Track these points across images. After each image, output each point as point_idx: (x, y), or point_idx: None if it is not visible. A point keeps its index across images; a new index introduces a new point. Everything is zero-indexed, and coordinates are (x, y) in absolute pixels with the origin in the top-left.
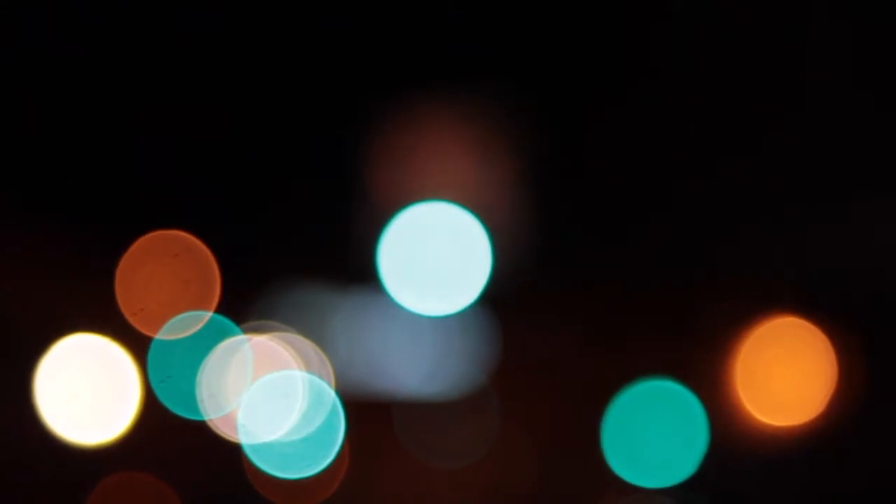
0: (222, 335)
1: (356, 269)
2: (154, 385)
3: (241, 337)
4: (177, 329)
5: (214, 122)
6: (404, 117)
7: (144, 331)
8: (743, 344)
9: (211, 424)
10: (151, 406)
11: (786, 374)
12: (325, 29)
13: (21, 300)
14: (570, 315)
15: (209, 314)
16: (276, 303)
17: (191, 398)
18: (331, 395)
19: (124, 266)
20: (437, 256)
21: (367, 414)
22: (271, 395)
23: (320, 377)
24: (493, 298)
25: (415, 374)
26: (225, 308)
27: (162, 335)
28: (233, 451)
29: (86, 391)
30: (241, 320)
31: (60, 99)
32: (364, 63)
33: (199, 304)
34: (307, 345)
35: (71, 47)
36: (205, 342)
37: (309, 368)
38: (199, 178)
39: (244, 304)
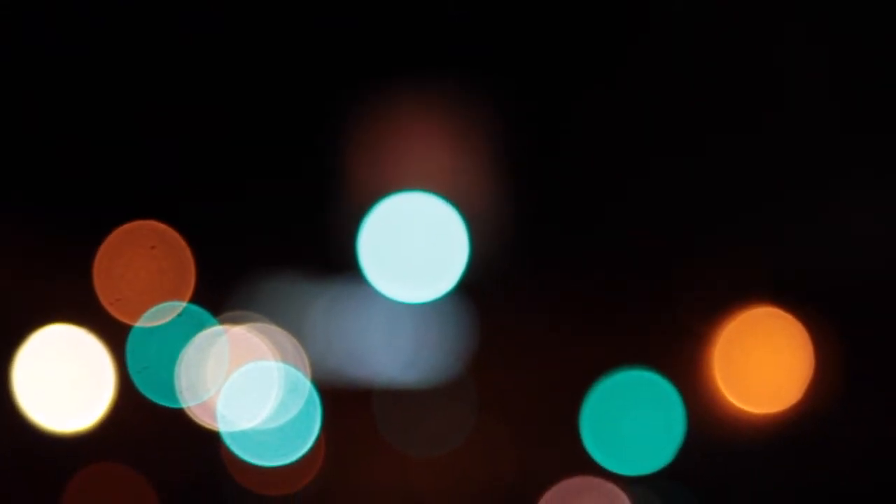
0: (199, 325)
1: (334, 259)
2: (132, 374)
3: (218, 328)
4: (154, 318)
5: (193, 114)
6: (382, 107)
7: (123, 319)
8: (721, 333)
9: (189, 412)
10: (127, 394)
11: (764, 362)
12: (302, 21)
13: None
14: (548, 304)
15: (184, 304)
16: (254, 293)
17: (168, 386)
18: (306, 385)
19: (102, 256)
20: (414, 245)
21: (344, 403)
22: (247, 386)
23: (296, 367)
24: (472, 287)
25: (393, 362)
26: (202, 298)
27: (140, 324)
28: (210, 439)
29: (62, 380)
30: (217, 311)
31: (36, 92)
32: (342, 54)
33: (175, 293)
34: (283, 335)
35: (54, 42)
36: (182, 332)
37: (285, 359)
38: (177, 169)
39: (221, 295)
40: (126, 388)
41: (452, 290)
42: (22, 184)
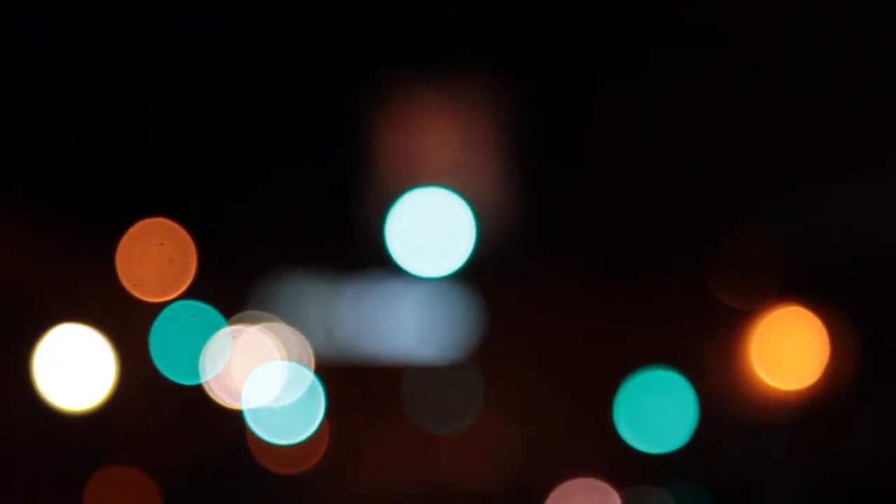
0: (211, 323)
1: (341, 253)
2: (155, 358)
3: (231, 328)
4: (174, 312)
5: (208, 116)
6: (391, 105)
7: (141, 297)
8: (751, 327)
9: (206, 387)
10: (127, 380)
11: (788, 348)
12: (318, 19)
13: (20, 287)
14: (560, 291)
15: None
16: (265, 288)
17: (184, 368)
18: (310, 376)
19: (122, 247)
20: (429, 229)
21: (349, 388)
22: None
23: (301, 363)
24: (485, 275)
25: (406, 341)
26: (214, 297)
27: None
28: (222, 416)
29: (73, 367)
30: (228, 308)
31: (59, 99)
32: (353, 55)
33: (179, 278)
34: (290, 331)
35: (67, 46)
36: (197, 326)
37: (291, 355)
38: (195, 171)
39: (232, 293)
40: (125, 374)
41: (462, 267)
42: (48, 188)
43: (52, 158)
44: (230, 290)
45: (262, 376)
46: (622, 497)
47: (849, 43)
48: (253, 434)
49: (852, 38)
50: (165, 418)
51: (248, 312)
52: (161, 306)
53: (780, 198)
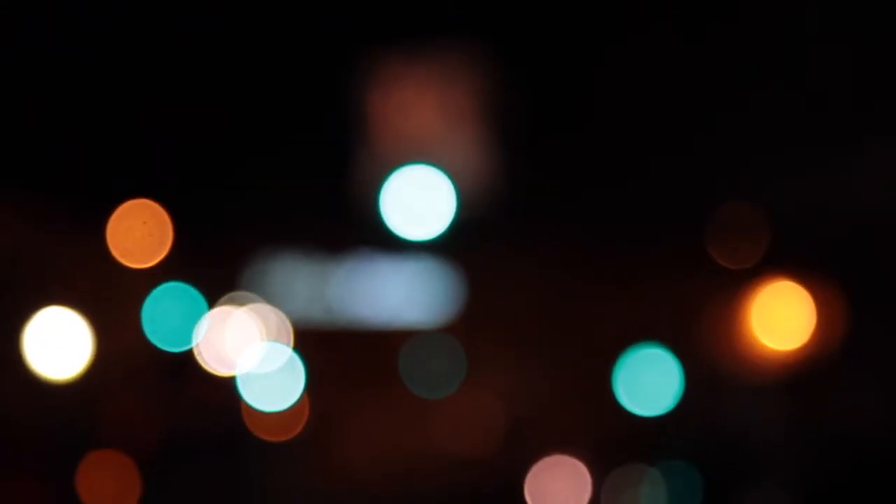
0: (197, 304)
1: (333, 231)
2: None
3: (218, 308)
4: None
5: (201, 107)
6: (376, 86)
7: (128, 265)
8: (749, 297)
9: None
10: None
11: (781, 315)
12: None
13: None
14: (546, 258)
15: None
16: (251, 272)
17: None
18: (288, 352)
19: (112, 223)
20: (415, 199)
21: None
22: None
23: (281, 341)
24: (475, 241)
25: (396, 309)
26: (201, 279)
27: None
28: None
29: (55, 342)
30: (216, 291)
31: (54, 91)
32: (341, 33)
33: (158, 247)
34: (272, 311)
35: (54, 38)
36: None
37: (272, 335)
38: (177, 154)
39: (220, 276)
40: (101, 349)
41: (448, 234)
42: (47, 174)
43: (49, 148)
44: (217, 271)
45: (245, 352)
46: (612, 477)
47: (842, 15)
48: (243, 402)
49: (843, 11)
50: (153, 386)
51: (234, 293)
52: (145, 276)
53: (769, 172)
